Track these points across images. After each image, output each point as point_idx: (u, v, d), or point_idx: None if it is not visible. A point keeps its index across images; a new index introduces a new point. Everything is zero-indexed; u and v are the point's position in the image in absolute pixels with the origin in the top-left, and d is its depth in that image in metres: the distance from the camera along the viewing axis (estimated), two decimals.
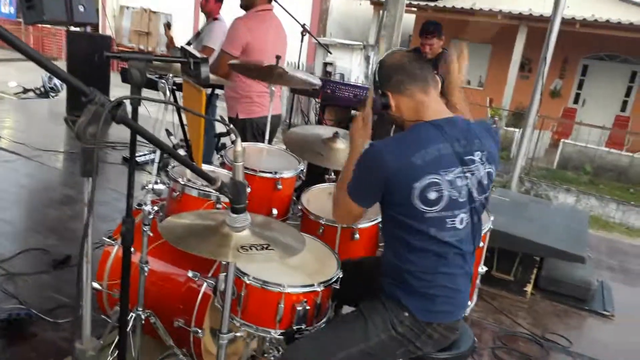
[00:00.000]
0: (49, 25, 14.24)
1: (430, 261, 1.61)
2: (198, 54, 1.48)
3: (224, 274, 1.69)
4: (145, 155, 4.96)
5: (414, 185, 1.54)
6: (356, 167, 1.66)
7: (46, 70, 0.92)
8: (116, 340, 2.08)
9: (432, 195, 1.55)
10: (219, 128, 4.51)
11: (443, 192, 1.56)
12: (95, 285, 2.30)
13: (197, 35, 4.60)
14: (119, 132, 5.67)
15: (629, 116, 13.03)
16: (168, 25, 4.96)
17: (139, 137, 1.64)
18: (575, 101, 13.78)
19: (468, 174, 1.60)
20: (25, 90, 9.29)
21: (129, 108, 1.14)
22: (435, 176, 1.56)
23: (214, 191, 2.08)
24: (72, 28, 6.37)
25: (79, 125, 0.93)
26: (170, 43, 4.82)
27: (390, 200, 1.61)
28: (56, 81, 9.33)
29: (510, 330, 3.24)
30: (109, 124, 0.96)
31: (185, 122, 4.02)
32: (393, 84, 1.67)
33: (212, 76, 2.84)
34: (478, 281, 2.59)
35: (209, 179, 1.24)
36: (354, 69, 10.41)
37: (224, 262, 1.75)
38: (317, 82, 2.98)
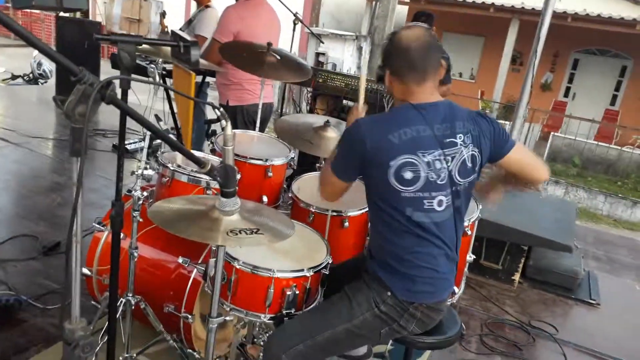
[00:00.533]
0: (37, 11, 14.03)
1: (409, 241, 1.63)
2: (188, 37, 1.47)
3: (214, 259, 1.70)
4: (134, 142, 4.94)
5: (390, 163, 1.58)
6: (339, 143, 1.72)
7: (35, 48, 0.91)
8: (106, 325, 2.08)
9: (408, 175, 1.58)
10: (210, 114, 4.49)
11: (420, 172, 1.59)
12: (85, 271, 2.30)
13: (189, 22, 4.56)
14: (109, 120, 5.65)
15: (618, 110, 13.14)
16: (163, 15, 4.92)
17: (128, 125, 1.64)
18: (566, 95, 13.87)
19: (448, 157, 1.62)
20: (14, 77, 9.18)
21: (119, 92, 1.13)
22: (412, 156, 1.58)
23: (203, 177, 2.09)
24: (62, 14, 6.29)
25: (68, 104, 0.93)
26: (162, 33, 4.79)
27: (369, 178, 1.67)
28: (45, 67, 9.22)
29: (497, 317, 3.28)
30: (98, 103, 0.96)
31: (175, 109, 4.01)
32: (393, 65, 1.69)
33: (203, 61, 2.84)
34: (466, 269, 2.62)
35: (199, 162, 1.24)
36: (346, 59, 10.39)
37: (214, 247, 1.76)
38: (309, 68, 2.97)
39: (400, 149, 1.58)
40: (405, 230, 1.63)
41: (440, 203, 1.63)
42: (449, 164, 1.63)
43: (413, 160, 1.58)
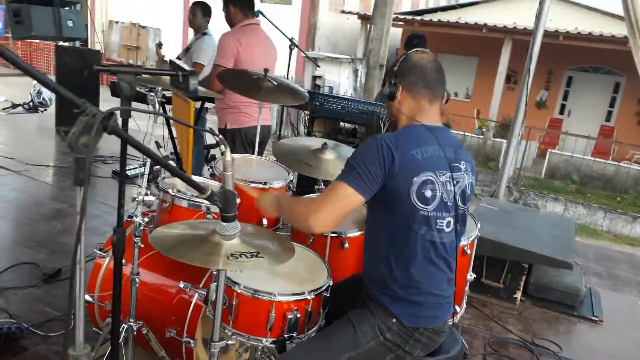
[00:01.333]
0: (37, 41, 14.22)
1: (418, 266, 1.63)
2: (186, 67, 1.51)
3: (215, 283, 1.71)
4: (135, 168, 4.97)
5: (414, 179, 1.58)
6: (358, 157, 1.62)
7: (38, 81, 0.95)
8: (108, 351, 2.08)
9: (428, 193, 1.59)
10: (209, 140, 4.53)
11: (437, 192, 1.61)
12: (87, 297, 2.30)
13: (187, 50, 4.64)
14: (109, 146, 5.69)
15: (613, 126, 13.26)
16: (159, 45, 5.01)
17: (128, 151, 1.67)
18: (561, 112, 14.01)
19: (455, 181, 1.66)
20: (14, 105, 9.25)
21: (119, 121, 1.16)
22: (432, 174, 1.60)
23: (204, 202, 2.11)
24: (61, 43, 6.40)
25: (72, 135, 0.95)
26: (160, 61, 4.87)
27: (388, 195, 1.60)
28: (45, 96, 9.29)
29: (500, 336, 3.27)
30: (101, 134, 0.99)
31: (175, 135, 4.05)
32: (408, 81, 1.71)
33: (201, 88, 2.89)
34: (467, 288, 2.62)
35: (199, 188, 1.26)
36: (342, 82, 10.50)
37: (215, 272, 1.77)
38: (305, 94, 3.01)
39: (423, 166, 1.59)
40: (415, 251, 1.62)
41: (448, 224, 1.66)
42: (455, 187, 1.66)
43: (432, 179, 1.60)
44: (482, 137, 12.34)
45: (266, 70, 2.76)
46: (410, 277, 1.64)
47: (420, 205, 1.59)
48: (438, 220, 1.63)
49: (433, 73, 1.71)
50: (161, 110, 3.48)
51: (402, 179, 1.58)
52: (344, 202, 1.60)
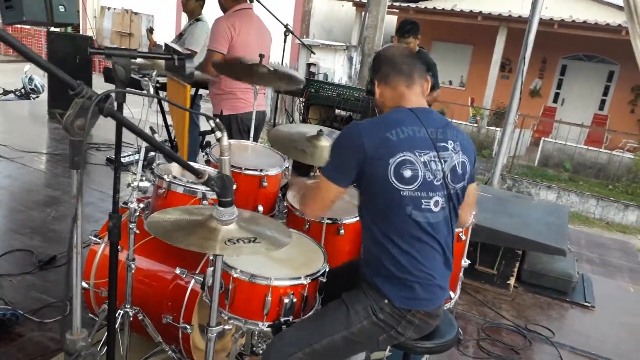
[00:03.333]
0: (28, 26, 14.03)
1: (408, 244, 1.65)
2: (182, 50, 1.49)
3: (212, 268, 1.71)
4: (128, 155, 4.94)
5: (389, 160, 1.60)
6: (333, 148, 1.72)
7: (34, 63, 0.93)
8: (104, 337, 2.08)
9: (407, 172, 1.61)
10: (204, 126, 4.51)
11: (418, 171, 1.62)
12: (83, 284, 2.29)
13: (180, 36, 4.59)
14: (103, 133, 5.65)
15: (606, 114, 13.32)
16: (150, 30, 4.95)
17: (123, 139, 1.66)
18: (555, 100, 14.03)
19: (442, 160, 1.67)
20: (5, 92, 9.15)
21: (114, 105, 1.15)
22: (409, 154, 1.61)
23: (199, 188, 2.11)
24: (52, 29, 6.31)
25: (67, 117, 0.94)
26: (152, 48, 4.81)
27: (367, 179, 1.64)
28: (36, 82, 9.20)
29: (494, 322, 3.30)
30: (97, 116, 0.98)
31: (169, 122, 4.03)
32: (381, 74, 1.78)
33: (197, 72, 2.87)
34: (461, 274, 2.64)
35: (196, 172, 1.26)
36: (337, 69, 10.46)
37: (211, 257, 1.77)
38: (301, 78, 3.00)
39: (398, 146, 1.61)
40: (404, 232, 1.64)
41: (436, 204, 1.66)
42: (443, 167, 1.67)
43: (411, 159, 1.61)
44: (476, 125, 12.35)
45: (261, 56, 2.74)
46: (401, 257, 1.65)
47: (400, 185, 1.61)
48: (423, 200, 1.64)
49: (402, 58, 1.79)
50: (154, 100, 3.45)
51: (378, 162, 1.61)
52: (325, 195, 1.73)
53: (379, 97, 1.79)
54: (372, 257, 1.72)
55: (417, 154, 1.63)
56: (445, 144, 1.69)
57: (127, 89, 1.27)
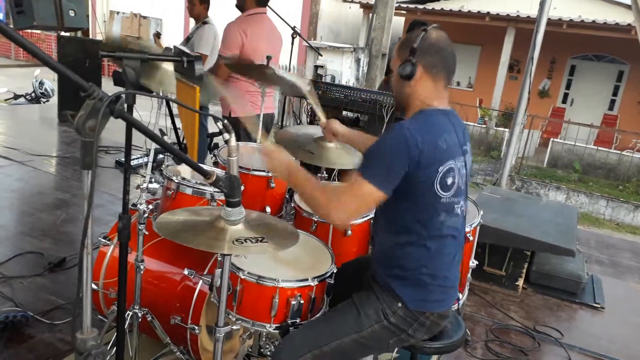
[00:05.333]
0: (38, 31, 14.17)
1: (434, 249, 1.64)
2: (191, 52, 1.51)
3: (220, 269, 1.72)
4: (138, 158, 4.97)
5: (439, 169, 1.56)
6: (380, 151, 1.57)
7: (46, 64, 0.95)
8: (113, 338, 2.10)
9: (449, 180, 1.59)
10: (212, 128, 4.54)
11: (455, 178, 1.61)
12: (92, 285, 2.31)
13: (187, 40, 4.62)
14: (112, 136, 5.70)
15: (616, 115, 13.21)
16: (158, 35, 4.97)
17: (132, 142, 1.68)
18: (564, 101, 13.95)
19: (466, 164, 1.69)
20: (16, 96, 9.25)
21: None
22: (452, 162, 1.60)
23: (208, 189, 2.12)
24: (63, 33, 6.38)
25: (79, 119, 0.96)
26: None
27: (409, 185, 1.56)
28: (47, 87, 9.29)
29: (502, 323, 3.29)
30: (107, 118, 1.00)
31: (178, 126, 4.05)
32: (428, 60, 1.62)
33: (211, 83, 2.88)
34: (469, 275, 2.63)
35: (204, 173, 1.27)
36: (344, 71, 10.45)
37: (219, 258, 1.78)
38: (305, 87, 3.00)
39: (447, 154, 1.58)
40: (433, 235, 1.62)
41: (461, 208, 1.68)
42: (465, 170, 1.68)
43: (453, 166, 1.60)
44: (484, 126, 12.31)
45: (269, 58, 2.75)
46: (427, 259, 1.64)
47: (442, 193, 1.59)
48: (455, 206, 1.64)
49: (452, 54, 1.65)
50: (164, 103, 3.46)
51: (428, 170, 1.54)
52: (366, 200, 1.56)
53: (415, 84, 1.63)
54: (388, 258, 1.70)
55: (456, 160, 1.61)
56: (466, 147, 1.70)
57: (137, 92, 1.29)
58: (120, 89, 1.45)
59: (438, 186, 1.57)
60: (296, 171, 1.70)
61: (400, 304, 1.66)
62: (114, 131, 4.43)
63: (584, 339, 3.22)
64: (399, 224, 1.66)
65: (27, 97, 9.28)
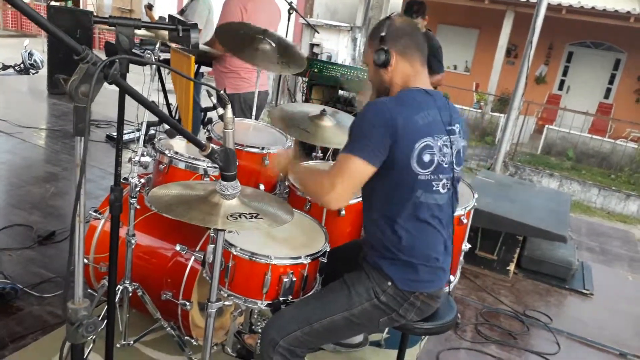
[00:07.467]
0: (27, 0, 13.84)
1: (414, 228, 1.63)
2: (187, 21, 1.46)
3: (213, 245, 1.70)
4: (129, 133, 4.90)
5: (415, 145, 1.56)
6: (360, 126, 1.58)
7: (40, 26, 0.90)
8: (103, 312, 2.08)
9: (427, 157, 1.58)
10: (205, 102, 4.47)
11: (434, 156, 1.60)
12: None
13: (181, 13, 4.52)
14: (102, 110, 5.61)
15: (611, 103, 13.22)
16: (149, 7, 4.86)
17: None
18: (560, 88, 13.92)
19: (451, 143, 1.66)
20: (5, 67, 9.06)
21: None
22: (430, 139, 1.59)
23: (201, 163, 2.09)
24: (53, 2, 6.23)
25: (71, 83, 0.92)
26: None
27: (387, 161, 1.57)
28: (36, 58, 9.09)
29: (492, 307, 3.30)
30: (101, 83, 0.96)
31: (170, 101, 3.99)
32: (400, 45, 1.65)
33: (203, 46, 2.82)
34: (462, 258, 2.63)
35: (200, 144, 1.23)
36: (340, 50, 10.33)
37: (212, 233, 1.76)
38: (303, 57, 2.94)
39: (424, 131, 1.58)
40: (411, 214, 1.62)
41: (444, 186, 1.66)
42: (452, 150, 1.67)
43: (431, 144, 1.59)
44: (479, 111, 12.27)
45: (265, 31, 2.70)
46: (407, 239, 1.63)
47: (420, 170, 1.58)
48: (434, 183, 1.62)
49: (420, 36, 1.71)
50: (157, 73, 3.40)
51: (404, 145, 1.55)
52: (356, 176, 1.57)
53: (392, 70, 1.66)
54: (375, 239, 1.70)
55: (435, 138, 1.60)
56: (453, 128, 1.68)
57: (131, 57, 1.24)
58: None
59: (415, 163, 1.57)
60: (304, 170, 1.82)
61: (390, 283, 1.65)
62: (105, 105, 4.35)
63: (573, 324, 3.25)
64: (376, 200, 1.68)
65: (16, 68, 9.09)
